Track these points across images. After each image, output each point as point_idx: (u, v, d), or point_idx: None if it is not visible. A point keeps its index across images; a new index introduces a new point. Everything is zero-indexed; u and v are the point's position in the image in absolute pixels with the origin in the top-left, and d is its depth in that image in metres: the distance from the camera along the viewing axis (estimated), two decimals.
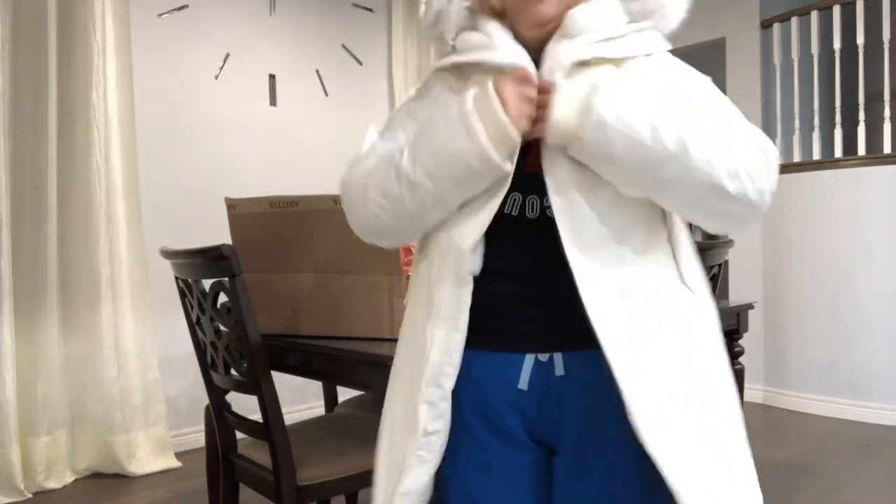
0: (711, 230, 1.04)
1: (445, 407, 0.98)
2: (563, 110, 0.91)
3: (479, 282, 0.98)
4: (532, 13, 0.99)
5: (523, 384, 0.99)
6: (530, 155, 0.97)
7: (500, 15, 1.05)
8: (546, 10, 0.98)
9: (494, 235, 0.98)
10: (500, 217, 0.97)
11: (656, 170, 0.90)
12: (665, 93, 0.96)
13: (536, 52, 1.00)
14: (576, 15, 0.98)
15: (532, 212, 0.98)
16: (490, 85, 0.93)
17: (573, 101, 0.91)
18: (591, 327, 0.91)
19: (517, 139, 0.93)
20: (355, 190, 1.06)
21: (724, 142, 0.91)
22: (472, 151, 0.93)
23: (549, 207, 0.95)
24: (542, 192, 0.96)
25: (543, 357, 0.98)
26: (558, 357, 0.98)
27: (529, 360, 0.99)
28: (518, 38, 1.02)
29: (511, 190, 0.97)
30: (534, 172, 0.97)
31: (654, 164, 0.89)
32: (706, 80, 1.03)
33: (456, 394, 0.99)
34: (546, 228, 0.95)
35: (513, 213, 0.98)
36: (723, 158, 0.90)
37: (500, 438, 1.02)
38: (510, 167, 0.95)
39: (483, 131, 0.92)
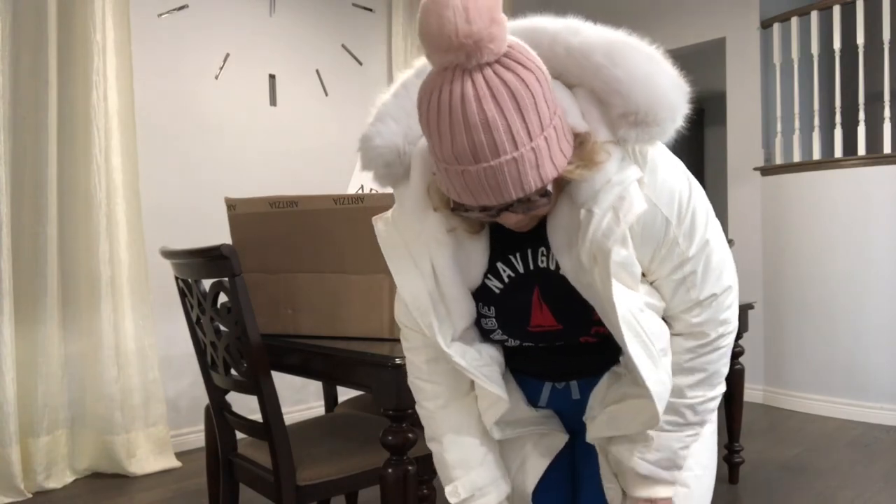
0: None
1: None
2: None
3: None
4: (516, 229, 0.97)
5: (543, 402, 1.18)
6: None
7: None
8: (528, 228, 0.97)
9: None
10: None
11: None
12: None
13: None
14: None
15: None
16: None
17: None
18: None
19: None
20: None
21: (707, 380, 1.06)
22: None
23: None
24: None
25: (560, 385, 1.16)
26: (574, 385, 1.15)
27: (548, 386, 1.16)
28: None
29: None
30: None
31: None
32: (681, 233, 0.98)
33: None
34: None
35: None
36: (714, 391, 1.07)
37: None
38: None
39: None
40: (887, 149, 3.82)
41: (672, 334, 1.03)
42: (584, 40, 0.89)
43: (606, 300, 0.93)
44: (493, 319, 1.04)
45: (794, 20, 4.19)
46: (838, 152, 4.03)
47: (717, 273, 1.01)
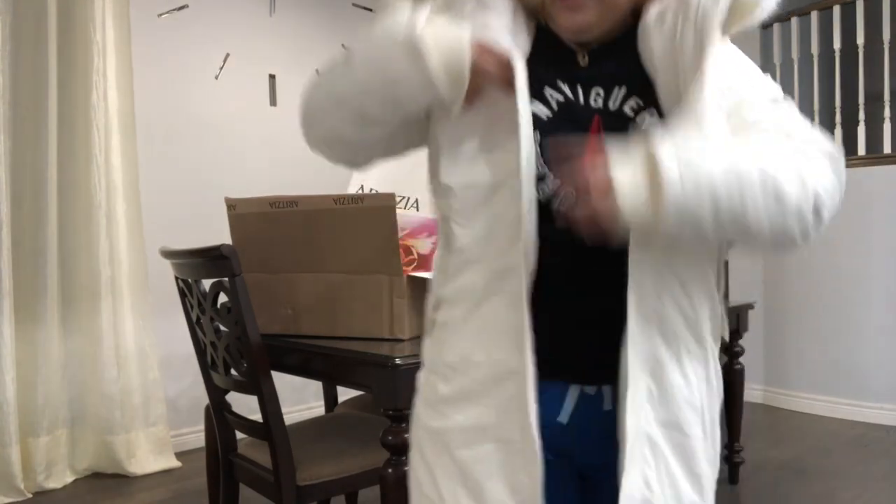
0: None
1: None
2: (629, 202, 0.77)
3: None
4: (567, 19, 0.90)
5: (564, 417, 0.90)
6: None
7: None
8: (584, 19, 0.89)
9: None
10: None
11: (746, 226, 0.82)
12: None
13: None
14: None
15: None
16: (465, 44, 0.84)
17: (635, 188, 0.77)
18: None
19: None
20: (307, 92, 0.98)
21: (804, 175, 0.84)
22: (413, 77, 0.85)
23: None
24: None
25: (590, 390, 0.90)
26: (607, 390, 0.89)
27: (574, 391, 0.90)
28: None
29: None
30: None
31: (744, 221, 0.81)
32: (766, 79, 0.94)
33: None
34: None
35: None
36: (808, 196, 0.84)
37: None
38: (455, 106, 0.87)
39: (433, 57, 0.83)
40: (887, 149, 3.82)
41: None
42: None
43: (697, 66, 0.81)
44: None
45: (794, 20, 4.19)
46: None
47: (811, 127, 0.90)
